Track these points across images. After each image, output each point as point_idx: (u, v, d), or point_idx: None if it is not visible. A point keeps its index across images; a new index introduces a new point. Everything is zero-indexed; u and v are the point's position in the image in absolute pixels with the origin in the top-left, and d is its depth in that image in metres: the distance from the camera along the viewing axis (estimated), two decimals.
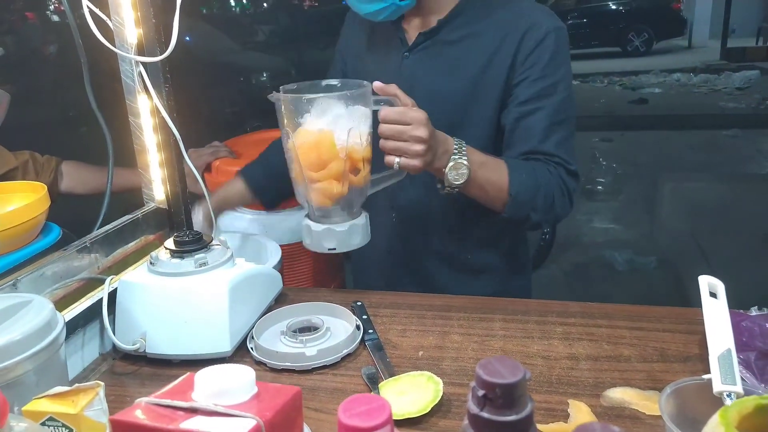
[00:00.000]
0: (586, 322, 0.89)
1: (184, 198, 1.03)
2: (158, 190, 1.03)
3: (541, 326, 0.89)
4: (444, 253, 1.13)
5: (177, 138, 0.98)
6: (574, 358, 0.81)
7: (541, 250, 3.46)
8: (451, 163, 0.94)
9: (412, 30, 1.11)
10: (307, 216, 0.98)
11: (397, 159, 0.90)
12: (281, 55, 8.68)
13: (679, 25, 11.80)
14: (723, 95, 7.94)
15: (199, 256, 0.84)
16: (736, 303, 0.76)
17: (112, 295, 0.86)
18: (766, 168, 5.37)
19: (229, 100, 7.96)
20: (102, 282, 0.88)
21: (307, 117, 0.89)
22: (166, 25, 0.94)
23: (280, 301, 1.00)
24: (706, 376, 0.62)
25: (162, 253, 0.86)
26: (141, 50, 0.96)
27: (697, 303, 0.74)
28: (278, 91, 0.93)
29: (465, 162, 0.94)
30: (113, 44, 0.95)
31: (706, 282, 0.68)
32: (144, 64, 0.96)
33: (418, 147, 0.89)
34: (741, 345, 0.74)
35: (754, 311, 0.81)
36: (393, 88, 0.90)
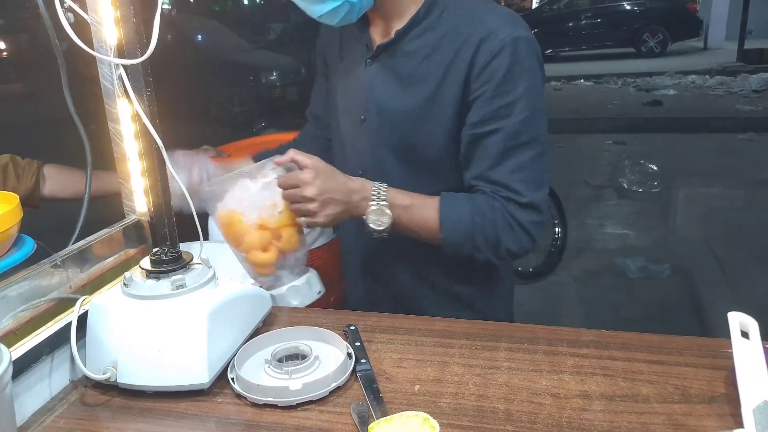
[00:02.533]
0: (600, 354, 0.81)
1: (167, 210, 0.95)
2: (140, 202, 0.96)
3: (550, 357, 0.81)
4: (420, 276, 1.11)
5: (159, 146, 0.91)
6: (587, 396, 0.73)
7: (552, 256, 3.38)
8: (371, 208, 0.95)
9: (377, 37, 1.05)
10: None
11: (302, 219, 0.96)
12: (292, 53, 8.64)
13: (694, 26, 11.63)
14: (739, 98, 7.80)
15: (176, 277, 0.77)
16: (753, 316, 0.68)
17: (84, 319, 0.79)
18: None
19: (238, 99, 7.95)
20: (74, 303, 0.81)
21: (223, 201, 0.98)
22: (148, 25, 0.87)
23: (269, 322, 0.93)
24: (738, 431, 0.54)
25: (136, 274, 0.79)
26: (121, 52, 0.89)
27: (713, 317, 0.66)
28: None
29: (385, 207, 0.95)
30: (91, 45, 0.88)
31: (738, 320, 0.60)
32: (124, 66, 0.89)
33: (311, 205, 0.94)
34: None
35: None
36: (290, 155, 0.95)
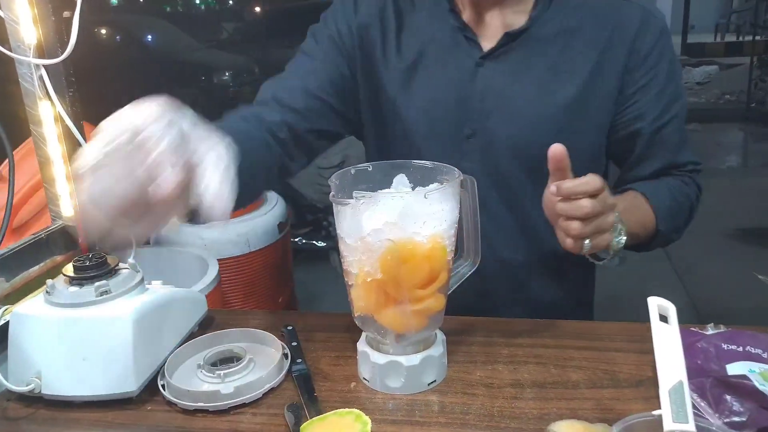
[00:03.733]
0: (533, 342, 0.82)
1: None
2: (66, 207, 0.93)
3: (485, 348, 0.82)
4: (517, 290, 0.98)
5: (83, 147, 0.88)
6: (519, 385, 0.74)
7: None
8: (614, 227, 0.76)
9: (485, 30, 0.90)
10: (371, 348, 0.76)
11: (586, 242, 0.71)
12: (245, 53, 8.52)
13: None
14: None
15: (100, 283, 0.75)
16: (698, 302, 0.70)
17: (5, 329, 0.76)
18: (726, 163, 5.44)
19: (190, 99, 7.77)
20: None
21: (397, 218, 0.66)
22: (68, 23, 0.84)
23: (205, 326, 0.91)
24: (656, 412, 0.56)
25: (59, 281, 0.76)
26: (41, 52, 0.86)
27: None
28: (327, 171, 0.75)
29: (617, 220, 0.76)
30: (7, 44, 0.85)
31: (656, 304, 0.61)
32: (45, 66, 0.86)
33: (612, 218, 0.72)
34: (696, 369, 0.68)
35: (710, 329, 0.76)
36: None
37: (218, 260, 1.34)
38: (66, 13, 0.85)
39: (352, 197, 0.70)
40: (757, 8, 7.75)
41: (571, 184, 0.69)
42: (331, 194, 0.70)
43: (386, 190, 0.72)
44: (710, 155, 5.49)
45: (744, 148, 6.06)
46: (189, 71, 7.87)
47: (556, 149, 0.69)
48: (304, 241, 3.32)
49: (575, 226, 0.70)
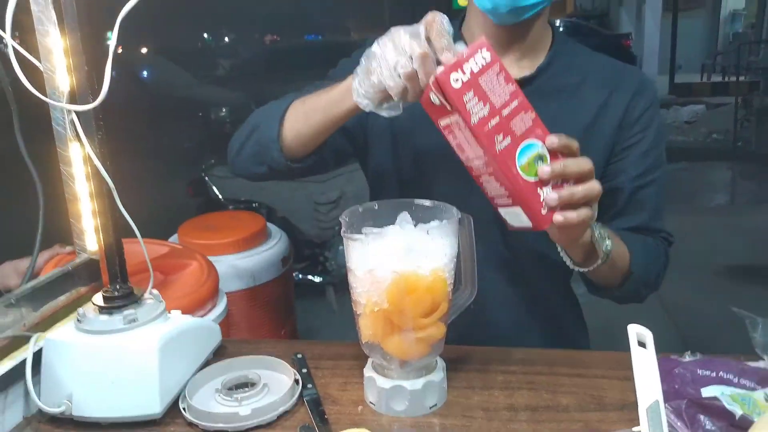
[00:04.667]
0: (527, 370, 0.89)
1: (118, 248, 0.99)
2: (90, 241, 1.00)
3: (482, 375, 0.88)
4: (522, 316, 1.05)
5: (111, 187, 0.95)
6: (514, 409, 0.80)
7: None
8: (597, 232, 0.84)
9: None
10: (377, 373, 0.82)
11: (583, 212, 0.75)
12: (241, 89, 8.67)
13: (629, 61, 12.21)
14: (672, 129, 8.24)
15: (128, 312, 0.81)
16: (685, 336, 0.76)
17: (39, 355, 0.82)
18: (714, 200, 5.56)
19: (186, 134, 7.90)
20: (27, 340, 0.84)
21: (402, 252, 0.74)
22: (99, 72, 0.92)
23: (219, 354, 0.97)
24: (635, 428, 0.62)
25: (89, 310, 0.83)
26: (73, 98, 0.94)
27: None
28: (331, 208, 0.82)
29: (605, 230, 0.85)
30: (42, 89, 0.93)
31: (635, 331, 0.68)
32: (77, 112, 0.94)
33: (597, 188, 0.77)
34: (673, 392, 0.75)
35: (687, 356, 0.82)
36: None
37: (225, 293, 1.40)
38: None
39: (361, 233, 0.77)
40: (740, 50, 8.02)
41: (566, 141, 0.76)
42: (342, 230, 0.77)
43: (392, 227, 0.79)
44: (698, 193, 5.62)
45: (732, 186, 6.20)
46: (186, 106, 8.01)
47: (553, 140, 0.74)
48: (300, 276, 3.37)
49: (565, 191, 0.74)
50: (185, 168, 4.68)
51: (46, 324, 0.91)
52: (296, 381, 0.85)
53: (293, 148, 0.94)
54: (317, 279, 3.35)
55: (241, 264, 1.55)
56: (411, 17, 0.82)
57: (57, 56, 0.93)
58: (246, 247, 1.54)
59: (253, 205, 2.98)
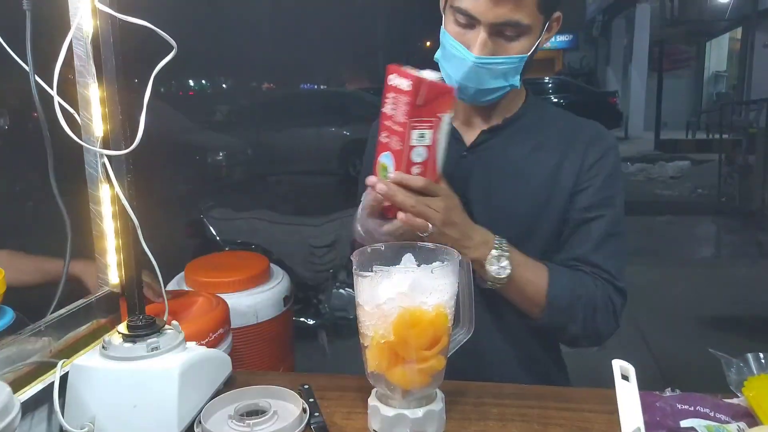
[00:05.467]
0: (519, 404, 0.95)
1: (138, 282, 1.06)
2: (113, 275, 1.06)
3: (478, 407, 0.94)
4: (505, 346, 1.12)
5: (136, 225, 1.03)
6: None
7: None
8: (492, 255, 0.97)
9: (470, 131, 1.12)
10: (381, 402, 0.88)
11: (431, 227, 0.92)
12: (238, 134, 8.84)
13: (615, 118, 12.65)
14: (658, 183, 8.46)
15: (151, 340, 0.87)
16: (666, 375, 0.83)
17: (63, 379, 0.88)
18: (699, 253, 5.68)
19: (184, 177, 8.01)
20: (53, 366, 0.89)
21: (407, 289, 0.81)
22: (132, 120, 1.01)
23: (229, 384, 1.02)
24: None
25: (114, 338, 0.89)
26: (106, 143, 1.02)
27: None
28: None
29: (507, 257, 0.97)
30: (80, 136, 1.01)
31: (619, 365, 0.75)
32: (109, 156, 1.02)
33: (437, 216, 0.92)
34: (654, 424, 0.82)
35: (667, 392, 0.89)
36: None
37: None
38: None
39: (370, 271, 0.84)
40: (722, 110, 8.31)
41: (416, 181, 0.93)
42: (353, 267, 0.85)
43: (398, 266, 0.86)
44: (684, 246, 5.75)
45: (716, 239, 6.34)
46: (184, 151, 8.13)
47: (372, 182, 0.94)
48: (293, 318, 3.41)
49: (408, 200, 0.91)
50: (183, 210, 4.75)
51: (68, 352, 0.97)
52: (304, 410, 0.91)
53: None
54: (310, 321, 3.39)
55: (245, 302, 1.61)
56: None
57: (94, 106, 1.02)
58: (250, 285, 1.60)
59: (252, 246, 3.05)
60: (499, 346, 1.13)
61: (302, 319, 3.39)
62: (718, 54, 16.82)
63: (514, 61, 1.01)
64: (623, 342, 3.30)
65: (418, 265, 0.86)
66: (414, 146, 0.91)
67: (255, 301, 1.61)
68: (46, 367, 0.92)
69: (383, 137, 0.94)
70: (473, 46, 0.98)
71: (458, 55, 1.00)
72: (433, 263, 0.86)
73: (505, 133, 1.11)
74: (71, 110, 1.01)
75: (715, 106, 12.73)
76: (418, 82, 0.87)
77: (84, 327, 1.02)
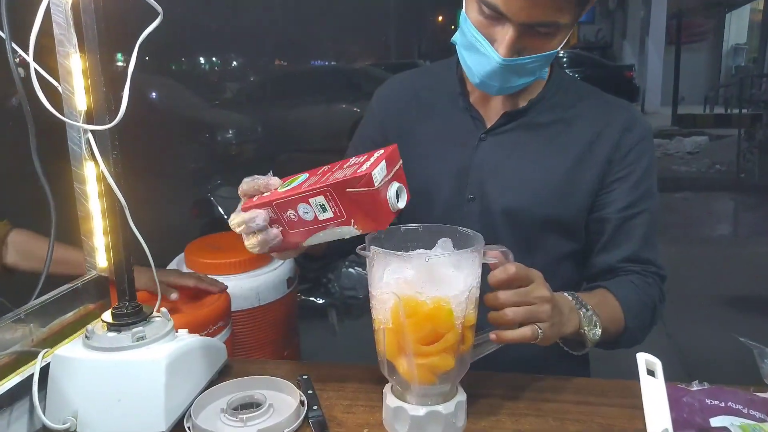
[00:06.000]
0: (533, 396, 0.89)
1: (127, 266, 1.00)
2: (101, 258, 1.00)
3: (488, 400, 0.88)
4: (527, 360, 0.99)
5: (123, 205, 0.96)
6: None
7: None
8: (583, 318, 0.85)
9: (489, 110, 1.03)
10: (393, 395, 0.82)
11: (539, 332, 0.77)
12: (248, 112, 8.76)
13: (632, 93, 12.39)
14: (675, 159, 8.28)
15: (136, 329, 0.82)
16: (688, 364, 0.76)
17: (46, 371, 0.82)
18: (717, 231, 5.56)
19: (193, 156, 7.97)
20: (35, 356, 0.84)
21: (406, 276, 0.74)
22: (117, 94, 0.94)
23: (224, 373, 0.97)
24: None
25: (98, 327, 0.83)
26: (90, 118, 0.96)
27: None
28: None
29: (592, 314, 0.86)
30: (60, 108, 0.94)
31: (644, 359, 0.68)
32: (93, 131, 0.95)
33: (547, 307, 0.78)
34: (682, 422, 0.75)
35: (695, 385, 0.82)
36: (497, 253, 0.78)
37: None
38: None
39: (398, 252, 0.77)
40: (742, 83, 8.08)
41: (500, 271, 0.77)
42: (361, 245, 0.78)
43: (417, 251, 0.79)
44: (702, 223, 5.62)
45: (734, 217, 6.20)
46: (193, 129, 8.08)
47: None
48: (302, 297, 3.36)
49: (506, 312, 0.77)
50: (191, 188, 4.71)
51: (54, 340, 0.91)
52: (302, 402, 0.85)
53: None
54: (320, 301, 3.34)
55: (247, 284, 1.56)
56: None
57: (76, 77, 0.95)
58: (252, 267, 1.54)
59: None
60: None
61: (312, 299, 3.35)
62: (737, 26, 16.38)
63: (545, 58, 0.90)
64: None
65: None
66: (309, 202, 0.77)
67: (257, 283, 1.55)
68: (28, 357, 0.86)
69: (321, 171, 0.80)
70: (500, 44, 0.87)
71: (481, 50, 0.89)
72: (438, 251, 0.79)
73: (528, 115, 1.01)
74: (52, 80, 0.94)
75: (734, 80, 12.42)
76: (367, 180, 0.71)
77: (70, 314, 0.96)
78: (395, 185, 0.76)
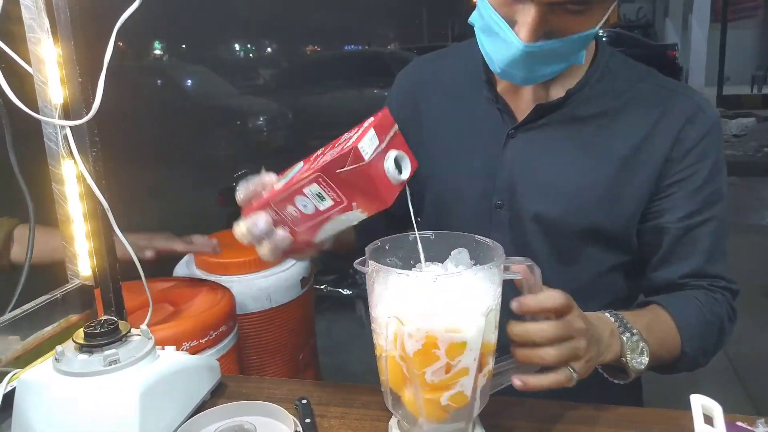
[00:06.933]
0: (564, 429, 0.77)
1: (113, 274, 0.91)
2: (84, 265, 0.92)
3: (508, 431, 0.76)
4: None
5: (105, 207, 0.87)
6: None
7: None
8: (627, 344, 0.72)
9: (519, 101, 0.88)
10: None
11: (575, 374, 0.66)
12: (279, 99, 8.72)
13: (675, 73, 11.91)
14: None
15: (109, 352, 0.72)
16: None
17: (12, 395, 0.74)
18: (765, 218, 5.27)
19: (223, 143, 7.98)
20: (2, 377, 0.76)
21: (410, 298, 0.62)
22: (94, 85, 0.84)
23: (217, 393, 0.87)
24: None
25: (69, 348, 0.74)
26: (66, 112, 0.87)
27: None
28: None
29: (639, 339, 0.72)
30: (35, 103, 0.85)
31: (700, 404, 0.56)
32: (70, 127, 0.86)
33: (583, 343, 0.66)
34: None
35: (761, 426, 0.69)
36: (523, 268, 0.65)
37: (238, 315, 1.31)
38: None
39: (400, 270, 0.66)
40: None
41: (533, 300, 0.65)
42: (359, 259, 0.67)
43: (400, 270, 0.67)
44: (749, 209, 5.34)
45: None
46: (224, 116, 8.09)
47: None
48: (329, 288, 3.28)
49: (551, 352, 0.64)
50: (218, 176, 4.66)
51: (27, 358, 0.83)
52: None
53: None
54: (346, 292, 3.26)
55: (257, 284, 1.46)
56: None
57: (50, 67, 0.86)
58: (263, 266, 1.45)
59: None
60: None
61: (339, 290, 3.27)
62: None
63: (579, 41, 0.75)
64: None
65: (474, 264, 0.68)
66: (305, 194, 0.68)
67: (268, 284, 1.46)
68: None
69: (314, 156, 0.71)
70: (521, 26, 0.72)
71: (501, 35, 0.74)
72: (449, 268, 0.67)
73: (566, 107, 0.85)
74: (26, 66, 0.85)
75: None
76: (355, 155, 0.62)
77: (50, 327, 0.88)
78: (393, 154, 0.65)
